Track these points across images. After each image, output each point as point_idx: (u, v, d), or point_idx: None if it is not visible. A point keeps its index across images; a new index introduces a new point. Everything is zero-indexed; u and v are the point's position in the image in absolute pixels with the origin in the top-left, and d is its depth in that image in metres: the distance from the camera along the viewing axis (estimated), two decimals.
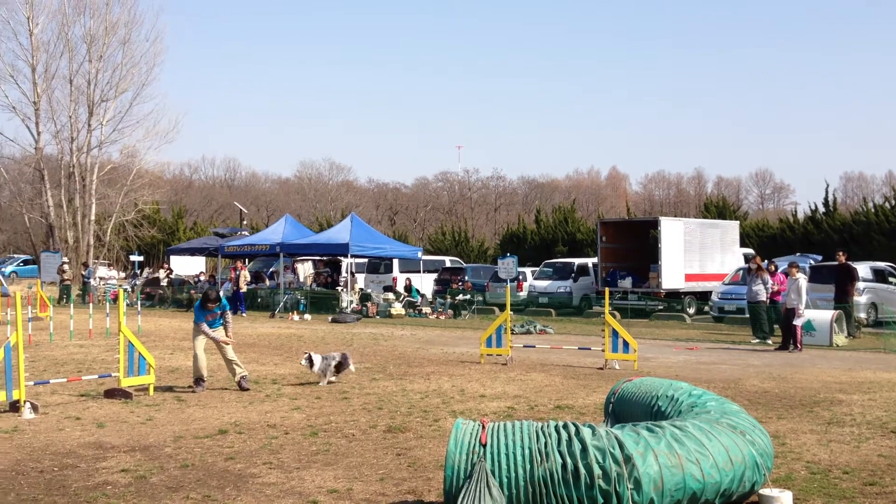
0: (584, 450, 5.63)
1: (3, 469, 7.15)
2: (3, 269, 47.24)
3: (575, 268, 31.73)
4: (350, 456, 7.71)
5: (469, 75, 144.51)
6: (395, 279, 33.54)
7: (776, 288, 20.86)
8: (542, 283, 31.49)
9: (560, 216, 51.50)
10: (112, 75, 49.02)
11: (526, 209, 76.45)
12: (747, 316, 20.54)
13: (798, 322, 17.43)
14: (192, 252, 38.00)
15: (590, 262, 32.12)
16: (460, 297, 29.43)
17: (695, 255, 29.11)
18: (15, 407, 9.56)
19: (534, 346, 16.72)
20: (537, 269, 34.39)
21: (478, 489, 5.49)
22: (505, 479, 5.56)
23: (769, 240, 40.94)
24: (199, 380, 11.58)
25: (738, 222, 33.95)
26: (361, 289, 31.18)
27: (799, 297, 17.44)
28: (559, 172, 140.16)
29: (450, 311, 28.36)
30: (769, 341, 18.67)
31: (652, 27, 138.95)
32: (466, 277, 33.29)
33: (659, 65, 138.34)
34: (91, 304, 23.98)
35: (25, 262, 52.85)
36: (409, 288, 30.63)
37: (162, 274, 36.74)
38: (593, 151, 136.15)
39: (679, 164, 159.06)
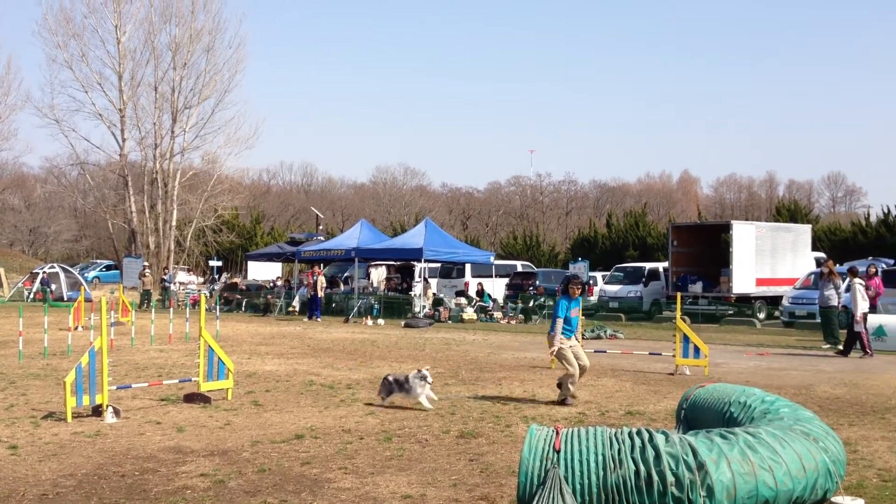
0: (658, 456, 5.60)
1: (85, 473, 7.40)
2: (86, 275, 48.70)
3: (646, 272, 31.45)
4: (423, 461, 7.80)
5: (542, 79, 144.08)
6: (467, 284, 33.65)
7: (872, 293, 20.43)
8: (613, 288, 31.27)
9: (631, 220, 51.01)
10: (195, 82, 50.20)
11: (597, 213, 75.91)
12: (818, 321, 20.07)
13: (857, 328, 17.00)
14: (269, 257, 38.69)
15: (661, 266, 31.81)
16: (532, 301, 29.37)
17: (766, 259, 28.62)
18: (98, 411, 9.80)
19: (605, 351, 16.64)
20: (608, 273, 34.16)
21: (552, 496, 5.50)
22: (578, 486, 5.57)
23: (841, 243, 39.94)
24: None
25: (809, 226, 33.25)
26: (434, 293, 31.39)
27: (856, 302, 17.02)
28: (630, 176, 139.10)
29: (521, 316, 28.33)
30: (840, 347, 18.26)
31: (724, 31, 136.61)
32: (538, 282, 33.22)
33: (731, 68, 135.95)
34: (171, 309, 24.62)
35: (108, 268, 54.34)
36: (481, 293, 30.69)
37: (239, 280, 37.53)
38: (665, 155, 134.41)
39: (751, 168, 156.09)
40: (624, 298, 30.49)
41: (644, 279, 30.96)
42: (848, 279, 17.96)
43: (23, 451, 8.14)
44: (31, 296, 38.24)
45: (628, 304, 30.24)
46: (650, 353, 16.30)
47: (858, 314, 17.05)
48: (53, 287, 38.64)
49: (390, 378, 10.79)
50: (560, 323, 11.07)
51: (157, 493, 6.76)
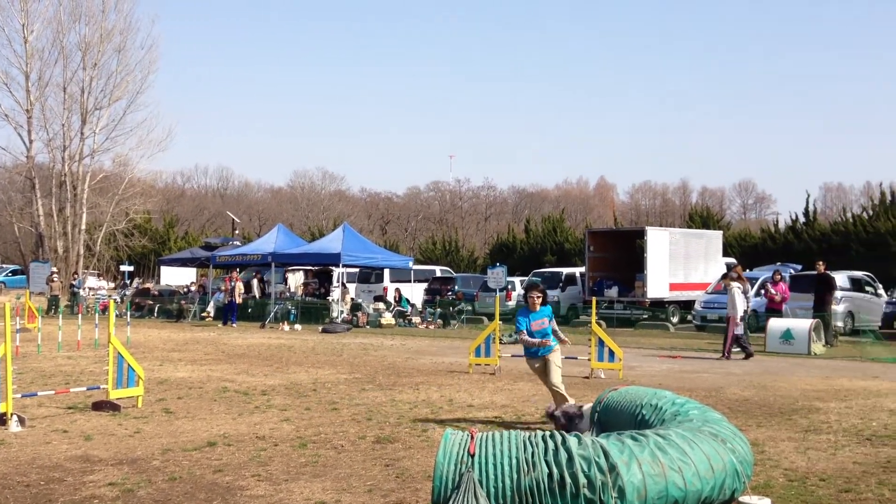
0: (570, 459, 5.68)
1: None
2: None
3: (563, 277, 31.86)
4: (339, 467, 7.75)
5: (461, 85, 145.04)
6: (385, 289, 33.59)
7: (779, 298, 21.09)
8: None
9: (549, 226, 51.65)
10: (106, 83, 49.07)
11: (516, 219, 76.62)
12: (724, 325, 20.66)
13: (738, 331, 17.56)
14: (184, 262, 37.95)
15: (577, 271, 32.25)
16: (451, 307, 29.48)
17: (679, 264, 29.31)
18: (2, 420, 9.50)
19: (521, 355, 16.75)
20: (526, 278, 34.50)
21: (465, 499, 5.53)
22: (493, 489, 5.60)
23: (751, 249, 41.16)
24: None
25: (721, 232, 34.18)
26: (352, 298, 31.25)
27: (734, 306, 17.55)
28: (549, 182, 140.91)
29: (439, 321, 28.42)
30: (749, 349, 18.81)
31: (638, 35, 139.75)
32: (456, 287, 33.34)
33: (647, 75, 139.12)
34: (80, 315, 23.95)
35: (14, 273, 52.65)
36: (399, 298, 30.66)
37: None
38: (582, 161, 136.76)
39: (665, 175, 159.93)
40: None
41: (561, 284, 31.37)
42: (725, 285, 18.55)
43: None
44: None
45: None
46: (566, 357, 16.43)
47: (737, 315, 17.55)
48: None
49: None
50: (526, 340, 9.92)
51: (64, 503, 6.56)
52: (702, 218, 48.08)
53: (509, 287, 32.51)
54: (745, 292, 19.28)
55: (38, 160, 48.96)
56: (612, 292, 29.06)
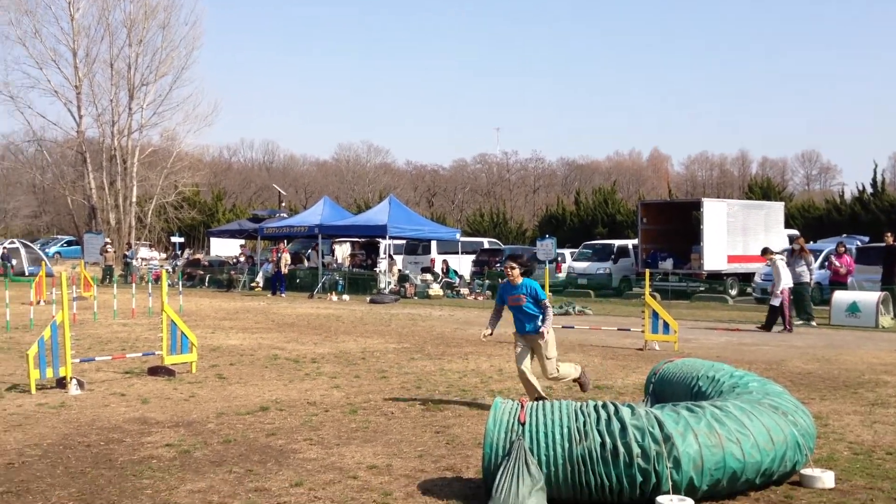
0: (624, 429, 5.62)
1: (51, 443, 7.30)
2: (47, 250, 48.00)
3: (615, 249, 31.60)
4: (389, 433, 7.77)
5: (508, 55, 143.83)
6: (432, 261, 33.65)
7: (843, 270, 20.69)
8: (582, 265, 31.42)
9: (600, 198, 51.25)
10: (152, 59, 49.51)
11: (565, 191, 76.16)
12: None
13: (774, 302, 17.33)
14: (232, 234, 38.41)
15: (630, 243, 31.97)
16: (499, 278, 29.44)
17: (738, 236, 28.87)
18: (62, 383, 9.76)
19: (573, 327, 16.69)
20: (576, 250, 34.30)
21: (516, 467, 5.51)
22: (543, 458, 5.58)
23: (815, 221, 40.42)
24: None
25: (782, 203, 33.56)
26: (400, 270, 31.35)
27: (779, 279, 17.29)
28: (599, 154, 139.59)
29: (488, 293, 28.37)
30: (813, 323, 18.46)
31: (696, 6, 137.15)
32: (504, 258, 33.26)
33: (703, 43, 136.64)
34: (134, 285, 24.36)
35: (69, 244, 53.65)
36: (446, 269, 30.69)
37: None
38: (635, 133, 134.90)
39: (723, 145, 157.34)
40: (593, 275, 30.63)
41: (613, 256, 31.14)
42: (777, 255, 18.27)
43: None
44: None
45: (597, 280, 30.38)
46: (619, 329, 16.37)
47: (778, 289, 17.30)
48: (14, 262, 38.13)
49: None
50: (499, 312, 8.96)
51: (123, 463, 6.68)
52: (762, 189, 47.25)
53: (559, 259, 32.36)
54: (808, 264, 18.96)
55: (88, 135, 49.68)
56: (667, 264, 28.78)
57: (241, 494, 5.86)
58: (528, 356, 8.67)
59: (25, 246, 40.41)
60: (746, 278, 28.16)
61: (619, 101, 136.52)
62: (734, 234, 28.74)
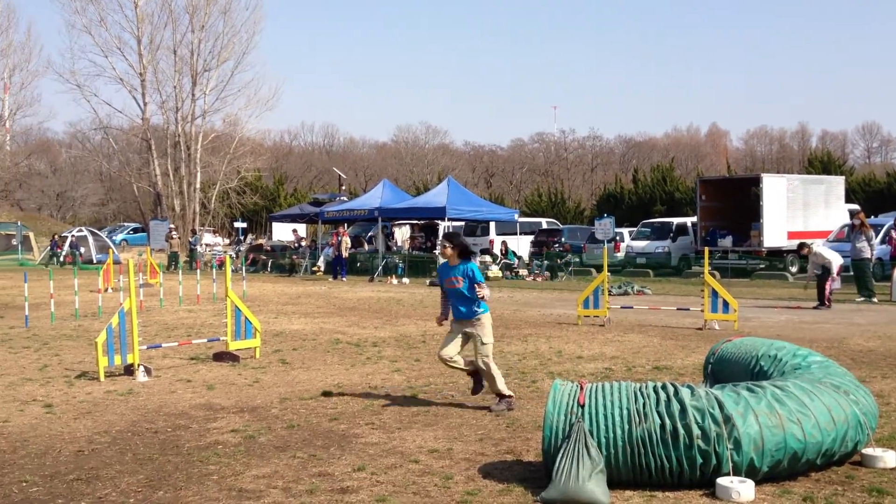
0: (683, 410, 5.60)
1: (119, 430, 7.52)
2: (114, 238, 49.12)
3: (673, 227, 31.26)
4: (449, 417, 7.85)
5: (564, 33, 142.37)
6: (491, 242, 33.65)
7: None
8: (640, 244, 31.13)
9: (658, 175, 50.64)
10: (214, 45, 50.24)
11: (623, 169, 75.36)
12: (851, 273, 19.91)
13: (836, 285, 17.62)
14: (293, 218, 38.85)
15: (689, 221, 31.58)
16: (558, 259, 29.33)
17: (798, 212, 28.34)
18: (129, 370, 9.99)
19: (631, 307, 16.59)
20: (635, 229, 33.98)
21: (576, 449, 5.53)
22: (603, 440, 5.59)
23: (876, 195, 39.44)
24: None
25: (842, 177, 32.83)
26: None
27: (830, 261, 17.32)
28: (657, 130, 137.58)
29: (546, 273, 28.30)
30: (874, 299, 18.07)
31: None
32: (563, 239, 33.15)
33: (761, 16, 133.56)
34: (198, 270, 24.83)
35: (135, 230, 54.80)
36: (505, 250, 30.67)
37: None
38: (692, 109, 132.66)
39: (782, 119, 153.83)
40: (651, 254, 30.34)
41: (672, 234, 30.80)
42: (812, 245, 18.16)
43: (58, 410, 8.28)
44: (62, 259, 38.74)
45: (656, 259, 30.09)
46: (678, 309, 16.22)
47: (835, 271, 17.28)
48: (82, 250, 39.09)
49: None
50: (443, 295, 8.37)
51: (190, 449, 6.87)
52: (822, 163, 46.28)
53: (617, 238, 32.10)
54: (868, 239, 18.56)
55: (152, 122, 50.72)
56: (726, 242, 28.37)
57: (304, 479, 5.99)
58: (457, 342, 8.12)
59: (93, 234, 41.41)
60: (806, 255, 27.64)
61: (677, 76, 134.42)
62: (794, 210, 28.21)
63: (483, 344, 8.02)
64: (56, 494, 5.76)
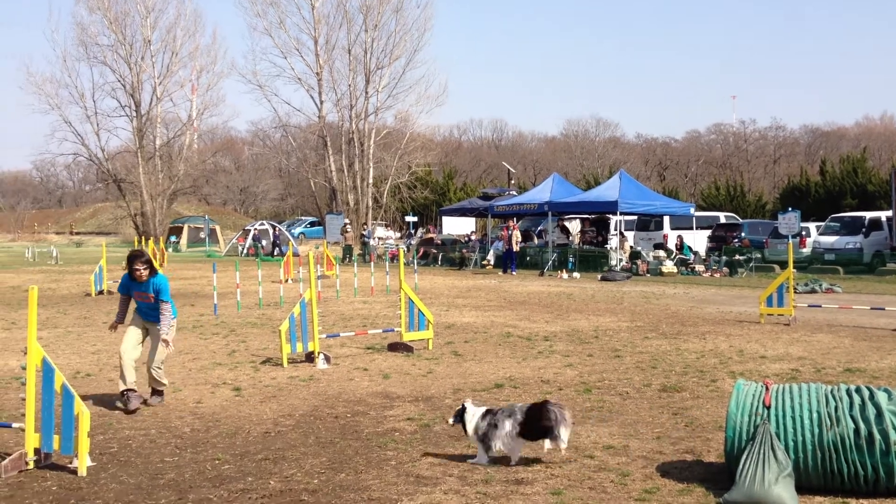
0: (880, 415, 5.26)
1: (302, 414, 7.82)
2: (292, 231, 51.32)
3: (866, 222, 29.40)
4: (624, 413, 7.68)
5: (740, 21, 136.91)
6: (665, 236, 32.80)
7: None
8: (829, 239, 29.48)
9: (848, 166, 47.78)
10: (386, 43, 51.40)
11: (809, 160, 71.68)
12: None
13: None
14: (463, 212, 39.27)
15: (883, 215, 29.62)
16: (737, 254, 28.23)
17: None
18: (310, 358, 10.41)
19: (819, 306, 15.73)
20: (822, 224, 32.21)
21: (762, 452, 5.30)
22: (791, 443, 5.33)
23: None
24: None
25: None
26: (631, 246, 30.77)
27: None
28: (847, 119, 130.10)
29: (725, 269, 27.27)
30: None
31: None
32: (743, 234, 31.89)
33: None
34: (372, 263, 25.51)
35: (312, 224, 56.99)
36: (680, 245, 29.82)
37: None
38: (887, 94, 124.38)
39: None
40: (841, 251, 28.67)
41: (864, 230, 28.99)
42: None
43: (246, 393, 8.71)
44: (245, 251, 40.90)
45: (846, 256, 28.40)
46: (872, 308, 15.23)
47: None
48: (264, 243, 41.09)
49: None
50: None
51: (369, 434, 7.04)
52: None
53: (803, 233, 30.56)
54: None
55: (328, 119, 52.44)
56: None
57: (479, 469, 6.01)
58: (139, 339, 8.24)
59: (274, 227, 43.45)
60: None
61: (866, 60, 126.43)
62: None
63: (164, 345, 8.16)
64: (246, 472, 6.03)
